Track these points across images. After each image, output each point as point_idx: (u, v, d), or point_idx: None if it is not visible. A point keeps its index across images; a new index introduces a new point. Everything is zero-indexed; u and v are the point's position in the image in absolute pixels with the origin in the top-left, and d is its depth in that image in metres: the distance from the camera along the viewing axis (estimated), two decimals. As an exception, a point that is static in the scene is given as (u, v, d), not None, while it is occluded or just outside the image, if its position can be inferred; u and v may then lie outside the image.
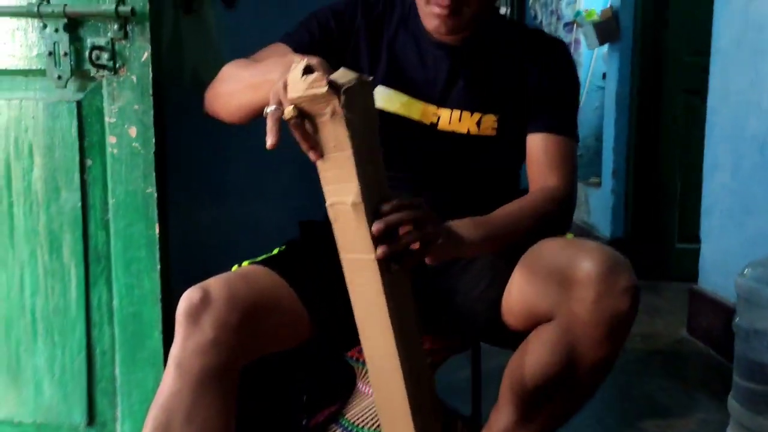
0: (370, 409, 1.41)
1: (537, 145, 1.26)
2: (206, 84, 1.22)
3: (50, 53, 1.28)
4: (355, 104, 0.89)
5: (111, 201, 1.31)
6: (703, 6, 2.78)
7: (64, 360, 1.36)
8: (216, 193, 1.60)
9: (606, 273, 1.02)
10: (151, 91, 1.27)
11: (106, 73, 1.28)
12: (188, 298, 1.08)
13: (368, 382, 1.38)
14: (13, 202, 1.34)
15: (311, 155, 0.92)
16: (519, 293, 1.13)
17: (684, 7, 3.40)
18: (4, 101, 1.32)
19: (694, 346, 2.62)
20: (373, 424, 1.39)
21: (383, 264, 0.94)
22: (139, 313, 1.32)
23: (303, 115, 0.90)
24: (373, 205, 0.94)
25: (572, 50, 4.44)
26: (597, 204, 3.98)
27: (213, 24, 1.53)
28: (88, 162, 1.32)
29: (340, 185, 0.93)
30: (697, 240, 2.72)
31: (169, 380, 1.07)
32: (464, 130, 1.26)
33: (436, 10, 1.19)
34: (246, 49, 1.25)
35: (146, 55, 1.26)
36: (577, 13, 4.03)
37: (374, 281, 0.95)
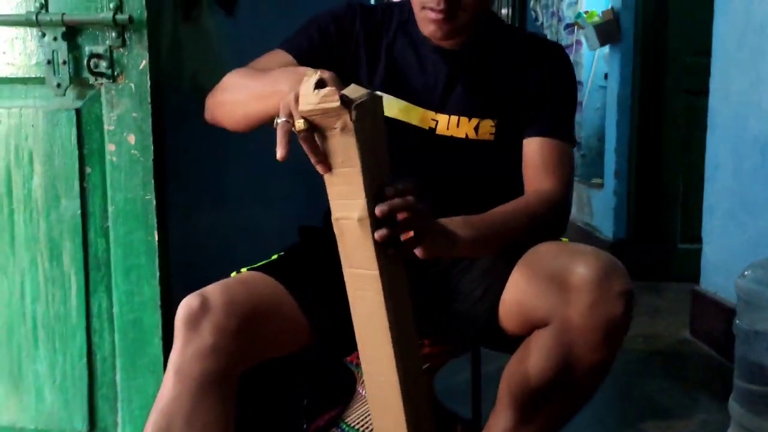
0: (370, 414, 1.41)
1: (533, 148, 1.26)
2: (206, 90, 1.23)
3: (49, 61, 1.29)
4: (366, 120, 0.89)
5: (110, 208, 1.32)
6: (704, 6, 2.78)
7: (65, 366, 1.37)
8: (216, 199, 1.61)
9: (600, 278, 1.03)
10: (149, 99, 1.28)
11: (104, 80, 1.29)
12: (187, 304, 1.09)
13: (368, 386, 1.39)
14: (14, 209, 1.35)
15: (319, 168, 0.93)
16: (515, 298, 1.14)
17: (684, 8, 3.39)
18: (4, 109, 1.33)
19: (697, 347, 2.62)
20: (372, 428, 1.39)
21: (380, 248, 0.94)
22: (139, 319, 1.33)
23: (313, 128, 0.90)
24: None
25: (573, 51, 4.43)
26: (599, 205, 3.97)
27: (213, 31, 1.54)
28: (88, 169, 1.32)
29: (347, 200, 0.93)
30: (699, 240, 2.72)
31: (168, 386, 1.07)
32: (462, 135, 1.27)
33: (431, 15, 1.19)
34: (246, 55, 1.26)
35: (144, 62, 1.27)
36: (578, 15, 4.02)
37: (377, 296, 0.96)
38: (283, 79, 1.03)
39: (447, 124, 1.27)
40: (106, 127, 1.30)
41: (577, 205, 4.38)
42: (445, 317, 1.25)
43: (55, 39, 1.28)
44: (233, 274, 1.22)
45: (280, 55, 1.24)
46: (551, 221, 1.21)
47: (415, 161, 1.27)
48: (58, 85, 1.29)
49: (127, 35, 1.27)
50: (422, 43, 1.28)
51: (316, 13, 1.31)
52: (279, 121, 0.93)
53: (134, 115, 1.28)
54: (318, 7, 1.35)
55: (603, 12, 3.70)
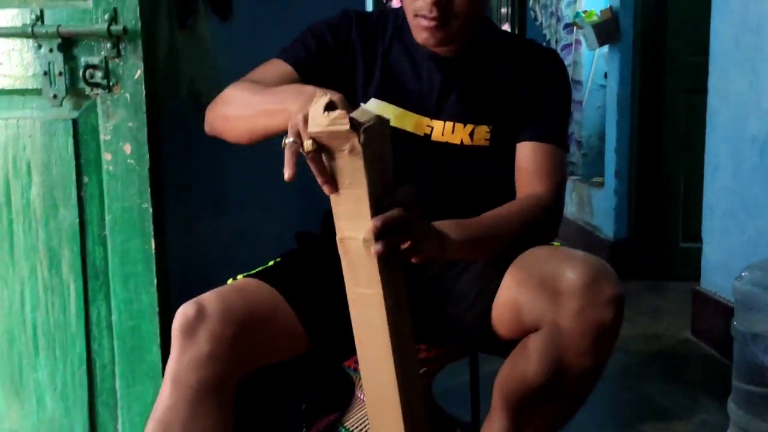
0: (368, 418, 1.42)
1: (525, 153, 1.26)
2: (203, 95, 1.24)
3: (45, 73, 1.30)
4: (374, 143, 0.91)
5: (108, 217, 1.33)
6: (703, 5, 2.77)
7: (65, 374, 1.38)
8: (215, 206, 1.61)
9: (589, 284, 1.03)
10: (144, 109, 1.29)
11: (100, 91, 1.30)
12: (183, 313, 1.10)
13: (365, 391, 1.39)
14: (13, 219, 1.36)
15: (326, 189, 0.94)
16: (507, 303, 1.14)
17: (684, 7, 3.39)
18: (2, 120, 1.34)
19: (698, 348, 2.62)
20: (371, 433, 1.40)
21: (384, 267, 0.96)
22: (138, 327, 1.34)
23: (321, 149, 0.91)
24: None
25: (573, 51, 4.43)
26: (600, 205, 3.97)
27: (208, 37, 1.55)
28: (85, 179, 1.33)
29: (353, 221, 0.94)
30: (700, 239, 2.72)
31: (165, 394, 1.08)
32: (457, 141, 1.27)
33: (424, 23, 1.19)
34: (241, 60, 1.26)
35: (139, 72, 1.28)
36: (577, 15, 4.02)
37: (380, 314, 0.98)
38: (290, 98, 1.02)
39: (442, 131, 1.27)
40: (102, 136, 1.31)
41: (578, 204, 4.38)
42: (439, 321, 1.26)
43: (51, 50, 1.29)
44: (230, 281, 1.23)
45: (278, 65, 1.24)
46: (543, 225, 1.22)
47: (410, 168, 1.27)
48: (55, 96, 1.30)
49: (122, 46, 1.28)
50: (417, 49, 1.29)
51: (312, 20, 1.32)
52: (287, 141, 0.94)
53: (130, 124, 1.29)
54: (312, 11, 1.35)
55: (601, 11, 3.69)
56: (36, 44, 1.30)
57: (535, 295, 1.08)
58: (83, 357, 1.37)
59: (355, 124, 0.88)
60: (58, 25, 1.27)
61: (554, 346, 1.06)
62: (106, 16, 1.26)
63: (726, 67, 2.51)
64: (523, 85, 1.29)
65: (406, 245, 0.98)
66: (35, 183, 1.35)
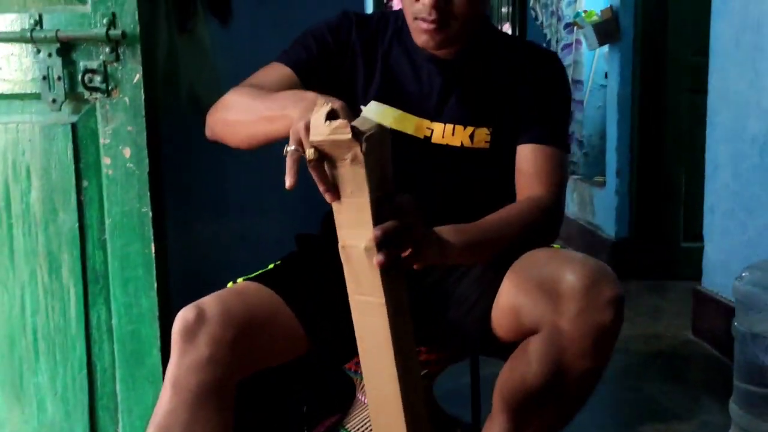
0: (369, 420, 1.42)
1: (526, 155, 1.26)
2: (202, 99, 1.24)
3: (44, 77, 1.30)
4: (375, 151, 0.91)
5: (107, 221, 1.33)
6: (703, 5, 2.77)
7: (66, 378, 1.38)
8: (215, 209, 1.62)
9: (589, 286, 1.03)
10: (143, 113, 1.29)
11: (99, 95, 1.30)
12: (183, 317, 1.10)
13: (366, 393, 1.40)
14: (13, 223, 1.36)
15: (328, 197, 0.94)
16: (506, 306, 1.14)
17: (684, 7, 3.39)
18: (1, 125, 1.34)
19: (699, 347, 2.61)
20: (372, 435, 1.40)
21: (385, 274, 0.96)
22: (138, 331, 1.34)
23: (322, 157, 0.91)
24: None
25: (573, 51, 4.42)
26: (601, 205, 3.97)
27: (207, 41, 1.55)
28: (84, 183, 1.33)
29: (355, 230, 0.95)
30: (702, 239, 2.71)
31: (165, 398, 1.09)
32: (457, 144, 1.27)
33: (423, 25, 1.19)
34: (241, 64, 1.26)
35: (138, 76, 1.28)
36: (577, 14, 4.02)
37: (382, 321, 0.98)
38: (291, 104, 1.02)
39: (442, 133, 1.27)
40: (101, 141, 1.31)
41: (579, 204, 4.37)
42: (440, 325, 1.26)
43: (49, 55, 1.29)
44: (229, 284, 1.23)
45: (278, 69, 1.24)
46: (543, 228, 1.22)
47: (410, 170, 1.28)
48: (54, 101, 1.30)
49: (120, 50, 1.28)
50: (417, 52, 1.28)
51: (311, 20, 1.32)
52: (289, 149, 0.94)
53: (129, 128, 1.29)
54: (311, 14, 1.35)
55: (602, 11, 3.69)
56: (35, 49, 1.30)
57: (534, 298, 1.08)
58: (83, 361, 1.37)
59: (356, 134, 0.88)
60: (57, 30, 1.27)
61: (554, 348, 1.06)
62: (105, 21, 1.26)
63: (726, 67, 2.51)
64: (523, 87, 1.29)
65: (407, 252, 0.98)
66: (35, 187, 1.35)
